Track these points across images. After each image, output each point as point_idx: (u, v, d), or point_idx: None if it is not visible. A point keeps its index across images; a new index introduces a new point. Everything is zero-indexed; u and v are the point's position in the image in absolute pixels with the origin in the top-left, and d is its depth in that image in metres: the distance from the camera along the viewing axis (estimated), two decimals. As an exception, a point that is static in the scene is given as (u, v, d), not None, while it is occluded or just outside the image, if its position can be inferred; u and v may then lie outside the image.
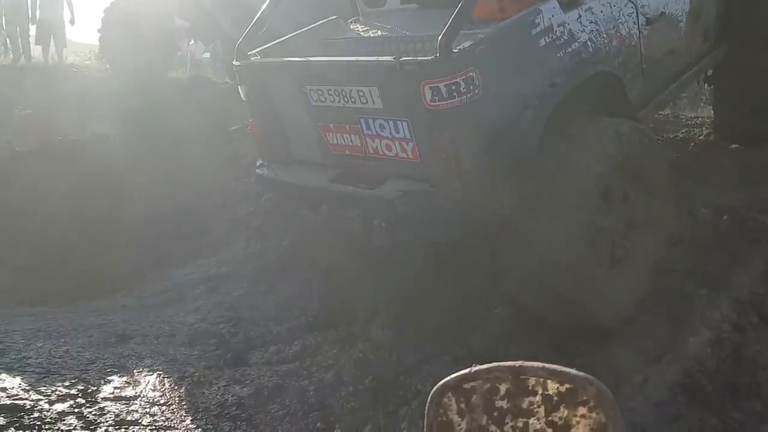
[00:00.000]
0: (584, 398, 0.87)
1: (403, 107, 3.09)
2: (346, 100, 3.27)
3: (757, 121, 4.67)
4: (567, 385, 0.88)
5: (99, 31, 10.37)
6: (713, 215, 4.00)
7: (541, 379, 0.90)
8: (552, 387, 0.89)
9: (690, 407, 2.87)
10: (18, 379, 3.19)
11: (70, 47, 13.10)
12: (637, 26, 3.78)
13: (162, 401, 3.24)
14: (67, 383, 3.23)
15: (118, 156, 6.51)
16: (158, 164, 6.49)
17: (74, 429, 2.88)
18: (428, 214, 3.16)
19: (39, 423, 2.85)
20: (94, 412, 3.02)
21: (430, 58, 2.96)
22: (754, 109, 4.64)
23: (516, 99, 3.09)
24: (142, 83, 9.00)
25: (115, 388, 3.29)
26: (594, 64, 3.43)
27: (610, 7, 3.61)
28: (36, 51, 11.95)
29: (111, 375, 3.40)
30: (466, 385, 0.95)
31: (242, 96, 3.93)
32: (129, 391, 3.28)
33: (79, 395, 3.14)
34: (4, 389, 3.07)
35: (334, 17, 4.33)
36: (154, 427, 3.01)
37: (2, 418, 2.82)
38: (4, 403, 2.95)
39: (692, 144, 5.38)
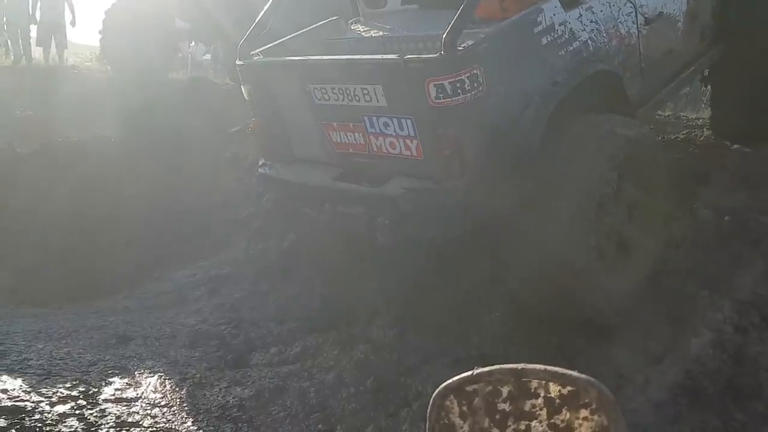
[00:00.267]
0: (586, 401, 0.87)
1: (408, 105, 3.11)
2: (350, 98, 3.28)
3: (753, 120, 4.73)
4: (569, 388, 0.88)
5: (100, 32, 10.38)
6: (715, 216, 4.00)
7: (543, 382, 0.90)
8: (554, 389, 0.89)
9: (691, 408, 2.87)
10: (19, 381, 3.19)
11: (70, 48, 13.11)
12: (636, 26, 3.82)
13: (163, 403, 3.23)
14: (68, 385, 3.23)
15: (119, 157, 6.50)
16: (159, 165, 6.49)
17: (75, 431, 2.87)
18: (432, 211, 3.18)
19: (40, 425, 2.85)
20: (95, 414, 3.02)
21: (434, 55, 2.98)
22: (750, 109, 4.69)
23: (518, 97, 3.12)
24: (142, 84, 9.01)
25: (116, 389, 3.28)
26: (594, 63, 3.46)
27: (610, 7, 3.65)
28: (37, 52, 11.96)
29: (112, 376, 3.40)
30: (468, 388, 0.95)
31: (245, 95, 3.94)
32: (130, 393, 3.27)
33: (81, 397, 3.14)
34: (5, 391, 3.07)
35: (335, 18, 4.34)
36: (155, 428, 3.01)
37: (3, 420, 2.82)
38: (5, 404, 2.95)
39: (693, 145, 5.38)
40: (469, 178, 3.03)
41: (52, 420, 2.91)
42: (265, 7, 4.07)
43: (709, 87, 5.18)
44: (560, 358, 3.06)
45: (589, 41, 3.46)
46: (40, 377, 3.27)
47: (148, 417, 3.10)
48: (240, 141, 6.71)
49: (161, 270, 5.33)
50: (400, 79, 3.06)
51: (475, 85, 2.94)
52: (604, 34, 3.58)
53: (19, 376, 3.25)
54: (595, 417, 0.87)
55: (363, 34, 4.15)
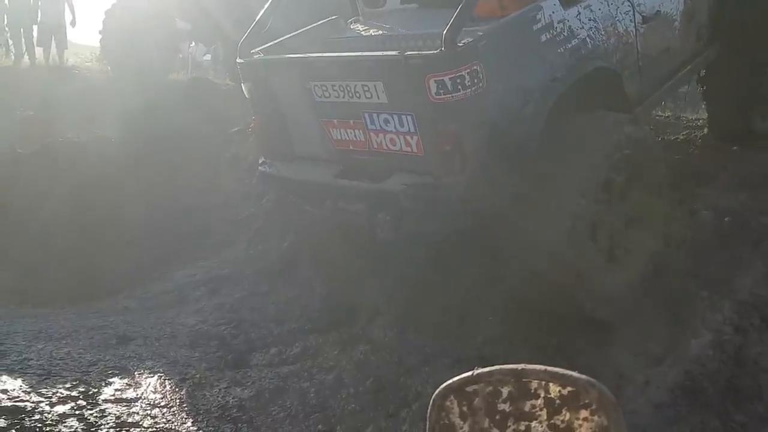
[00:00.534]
0: (586, 401, 0.87)
1: (408, 101, 3.12)
2: (350, 95, 3.29)
3: (747, 119, 4.82)
4: (569, 388, 0.88)
5: (100, 32, 10.38)
6: (715, 217, 4.00)
7: (543, 382, 0.90)
8: (554, 390, 0.89)
9: (691, 409, 2.87)
10: (19, 381, 3.20)
11: (71, 49, 13.10)
12: (633, 24, 3.85)
13: (163, 403, 3.24)
14: (68, 385, 3.23)
15: (119, 157, 6.51)
16: (159, 166, 6.49)
17: (75, 431, 2.88)
18: (432, 207, 3.20)
19: (40, 425, 2.85)
20: (95, 414, 3.02)
21: (435, 52, 3.00)
22: (744, 108, 4.79)
23: (518, 93, 3.14)
24: (143, 85, 9.01)
25: (116, 390, 3.29)
26: (593, 60, 3.48)
27: (608, 5, 3.68)
28: (37, 53, 11.95)
29: (112, 377, 3.40)
30: (469, 388, 0.95)
31: (245, 93, 3.94)
32: (130, 393, 3.28)
33: (81, 397, 3.14)
34: (5, 391, 3.07)
35: (334, 17, 4.35)
36: (155, 429, 3.01)
37: (3, 420, 2.82)
38: (6, 405, 2.95)
39: (693, 146, 5.38)
40: (470, 174, 3.05)
41: (52, 420, 2.91)
42: (265, 7, 4.07)
43: (702, 87, 5.23)
44: (560, 358, 3.06)
45: (587, 39, 3.49)
46: (40, 377, 3.27)
47: (148, 417, 3.10)
48: (240, 141, 6.71)
49: (161, 270, 5.33)
50: (401, 76, 3.08)
51: (476, 81, 2.96)
52: (603, 32, 3.61)
53: (20, 376, 3.25)
54: (596, 418, 0.87)
55: (362, 33, 4.16)
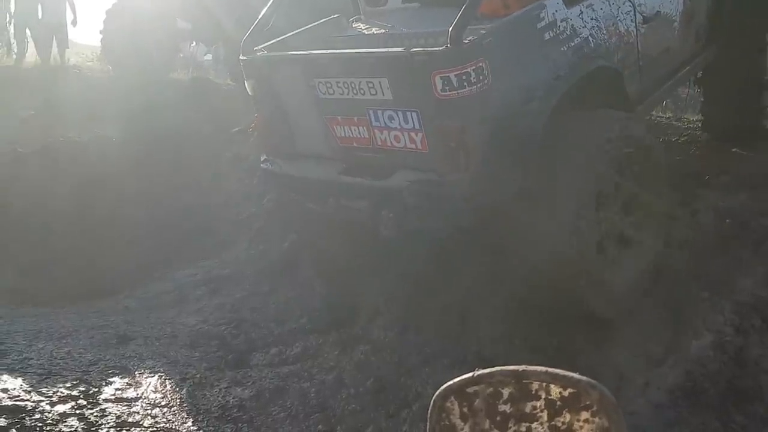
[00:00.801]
0: (587, 403, 0.87)
1: (413, 97, 3.13)
2: (354, 92, 3.29)
3: (743, 119, 4.88)
4: (570, 390, 0.88)
5: (101, 32, 10.37)
6: (715, 218, 4.00)
7: (544, 384, 0.90)
8: (555, 391, 0.89)
9: (692, 411, 2.86)
10: (19, 380, 3.19)
11: (72, 48, 13.09)
12: (634, 24, 3.88)
13: (163, 403, 3.24)
14: (68, 384, 3.23)
15: (120, 157, 6.50)
16: (160, 165, 6.49)
17: (76, 430, 2.87)
18: (436, 203, 3.20)
19: (40, 424, 2.85)
20: (95, 414, 3.02)
21: (441, 48, 3.00)
22: (740, 109, 4.84)
23: (521, 90, 3.15)
24: (143, 85, 8.99)
25: (116, 389, 3.29)
26: (595, 59, 3.50)
27: (610, 5, 3.70)
28: (37, 52, 11.94)
29: (112, 376, 3.40)
30: (469, 389, 0.94)
31: (248, 91, 3.94)
32: (130, 393, 3.28)
33: (81, 396, 3.14)
34: (5, 390, 3.07)
35: (336, 16, 4.35)
36: (155, 428, 3.01)
37: (4, 420, 2.82)
38: (6, 404, 2.95)
39: (694, 147, 5.39)
40: (474, 171, 3.06)
41: (52, 420, 2.91)
42: (267, 6, 4.08)
43: (699, 89, 5.27)
44: (561, 359, 3.06)
45: (589, 38, 3.50)
46: (40, 377, 3.27)
47: (149, 417, 3.10)
48: (241, 141, 6.71)
49: (162, 270, 5.33)
50: (406, 72, 3.08)
51: (481, 78, 2.97)
52: (604, 31, 3.63)
53: (20, 376, 3.25)
54: (596, 419, 0.86)
55: (365, 31, 4.16)
